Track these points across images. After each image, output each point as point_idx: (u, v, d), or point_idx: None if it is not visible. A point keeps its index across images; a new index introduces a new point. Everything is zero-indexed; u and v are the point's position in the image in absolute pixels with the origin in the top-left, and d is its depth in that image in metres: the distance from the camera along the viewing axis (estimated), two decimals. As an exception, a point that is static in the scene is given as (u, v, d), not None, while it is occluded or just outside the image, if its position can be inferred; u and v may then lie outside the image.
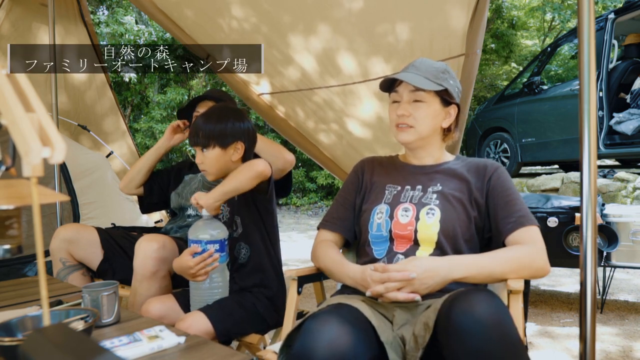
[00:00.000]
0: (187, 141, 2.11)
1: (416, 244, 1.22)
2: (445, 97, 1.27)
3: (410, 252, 1.22)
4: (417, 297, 1.08)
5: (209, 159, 1.53)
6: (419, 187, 1.29)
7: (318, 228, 1.43)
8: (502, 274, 1.13)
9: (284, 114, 3.25)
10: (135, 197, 2.17)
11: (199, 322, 1.31)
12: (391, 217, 1.26)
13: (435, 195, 1.25)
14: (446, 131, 1.33)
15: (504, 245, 1.21)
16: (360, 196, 1.39)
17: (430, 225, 1.21)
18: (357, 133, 2.95)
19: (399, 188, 1.31)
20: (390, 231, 1.25)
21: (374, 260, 1.26)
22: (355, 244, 1.43)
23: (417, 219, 1.23)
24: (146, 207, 2.09)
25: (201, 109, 2.00)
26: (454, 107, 1.30)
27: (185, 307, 1.45)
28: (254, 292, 1.48)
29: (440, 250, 1.20)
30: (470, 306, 0.88)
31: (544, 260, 1.16)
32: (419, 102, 1.26)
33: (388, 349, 0.98)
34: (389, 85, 1.31)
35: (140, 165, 2.00)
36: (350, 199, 1.40)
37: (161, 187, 2.06)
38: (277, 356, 1.04)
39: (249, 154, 1.61)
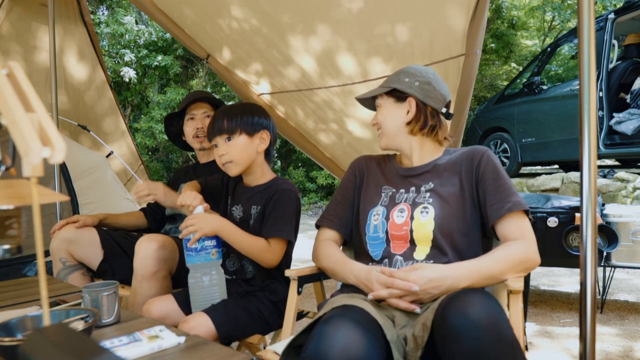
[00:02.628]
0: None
1: (413, 244, 1.23)
2: (397, 95, 1.33)
3: (407, 254, 1.22)
4: (417, 310, 1.09)
5: (234, 147, 1.46)
6: (413, 188, 1.30)
7: (317, 225, 1.43)
8: (501, 274, 1.13)
9: (283, 114, 3.26)
10: (135, 197, 2.17)
11: (202, 324, 1.30)
12: (387, 218, 1.27)
13: (428, 194, 1.26)
14: (414, 125, 1.31)
15: (493, 230, 1.22)
16: (359, 194, 1.39)
17: (424, 223, 1.21)
18: (357, 133, 2.95)
19: (394, 190, 1.32)
20: (387, 232, 1.25)
21: (372, 261, 1.26)
22: (352, 243, 1.44)
23: (411, 218, 1.23)
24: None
25: (196, 111, 1.98)
26: (412, 100, 1.30)
27: (185, 307, 1.45)
28: (258, 297, 1.47)
29: (437, 248, 1.20)
30: (465, 307, 0.88)
31: (535, 252, 1.17)
32: (379, 107, 1.37)
33: (393, 348, 0.98)
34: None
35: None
36: (349, 197, 1.41)
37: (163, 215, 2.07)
38: (280, 358, 1.04)
39: (272, 149, 1.56)
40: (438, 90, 1.32)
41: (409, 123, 1.32)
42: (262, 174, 1.56)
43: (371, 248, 1.28)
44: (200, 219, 1.37)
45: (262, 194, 1.52)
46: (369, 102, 1.43)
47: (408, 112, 1.31)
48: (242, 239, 1.41)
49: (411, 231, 1.22)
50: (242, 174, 1.56)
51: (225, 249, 1.54)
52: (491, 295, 0.93)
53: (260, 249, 1.42)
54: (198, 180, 1.67)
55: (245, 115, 1.48)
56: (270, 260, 1.44)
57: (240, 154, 1.47)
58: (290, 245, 1.52)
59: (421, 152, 1.34)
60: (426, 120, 1.31)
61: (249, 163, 1.51)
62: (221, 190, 1.64)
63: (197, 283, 1.41)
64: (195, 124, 1.98)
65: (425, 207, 1.24)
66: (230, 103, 1.92)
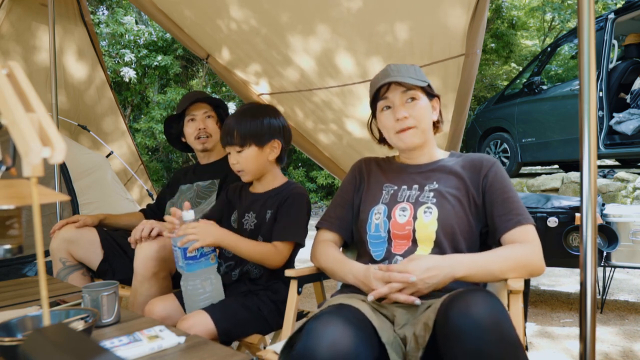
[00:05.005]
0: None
1: (414, 243, 1.22)
2: (428, 92, 1.32)
3: (408, 254, 1.21)
4: (417, 302, 1.09)
5: (245, 158, 1.48)
6: (416, 186, 1.29)
7: (317, 227, 1.44)
8: (501, 272, 1.13)
9: (283, 114, 3.25)
10: (135, 197, 2.18)
11: (201, 322, 1.30)
12: (389, 217, 1.26)
13: (432, 194, 1.26)
14: (437, 123, 1.38)
15: (499, 242, 1.22)
16: (358, 196, 1.39)
17: (427, 224, 1.21)
18: (357, 133, 2.95)
19: (396, 188, 1.32)
20: (389, 231, 1.25)
21: (373, 261, 1.26)
22: (354, 244, 1.43)
23: (414, 218, 1.23)
24: None
25: (196, 112, 1.97)
26: (436, 100, 1.36)
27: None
28: (260, 295, 1.47)
29: (439, 248, 1.20)
30: (468, 307, 0.88)
31: (540, 258, 1.17)
32: (413, 101, 1.28)
33: (389, 350, 0.98)
34: (374, 94, 1.33)
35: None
36: (349, 199, 1.41)
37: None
38: (279, 357, 1.04)
39: (284, 155, 1.57)
40: None
41: (437, 122, 1.36)
42: (274, 179, 1.58)
43: (372, 247, 1.28)
44: (202, 229, 1.34)
45: (274, 198, 1.54)
46: (375, 91, 1.33)
47: (433, 111, 1.34)
48: (246, 246, 1.42)
49: (414, 231, 1.22)
50: (254, 180, 1.59)
51: (233, 263, 1.56)
52: (494, 295, 0.93)
53: (265, 253, 1.43)
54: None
55: (256, 126, 1.48)
56: (277, 262, 1.46)
57: (251, 165, 1.50)
58: (297, 248, 1.53)
59: (430, 151, 1.36)
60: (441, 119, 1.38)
61: (262, 172, 1.54)
62: (227, 207, 1.65)
63: (195, 290, 1.39)
64: (196, 125, 1.96)
65: (428, 207, 1.23)
66: (231, 104, 1.91)
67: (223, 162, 1.90)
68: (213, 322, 1.32)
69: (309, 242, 1.47)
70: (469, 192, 1.25)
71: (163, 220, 2.05)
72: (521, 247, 1.17)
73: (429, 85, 1.31)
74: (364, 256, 1.30)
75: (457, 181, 1.27)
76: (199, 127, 1.95)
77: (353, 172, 1.44)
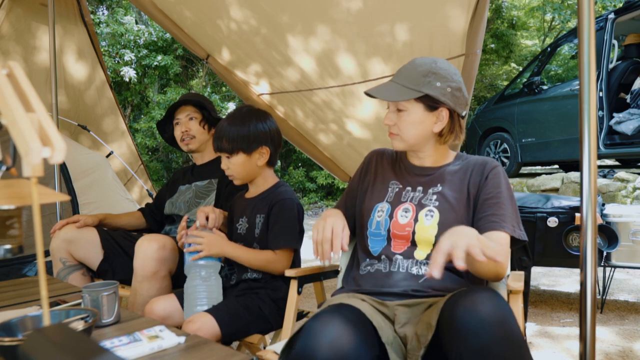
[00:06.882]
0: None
1: (413, 244, 1.22)
2: (428, 103, 1.20)
3: (407, 253, 1.21)
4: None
5: (234, 164, 1.53)
6: (420, 188, 1.28)
7: None
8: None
9: (283, 114, 3.26)
10: (135, 197, 2.18)
11: (207, 324, 1.31)
12: (391, 216, 1.26)
13: (435, 197, 1.25)
14: (442, 134, 1.26)
15: None
16: (363, 187, 1.39)
17: (428, 227, 1.20)
18: (357, 133, 2.95)
19: (401, 187, 1.31)
20: (389, 230, 1.25)
21: (370, 256, 1.27)
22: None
23: (415, 220, 1.22)
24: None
25: (181, 115, 1.98)
26: (445, 110, 1.22)
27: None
28: (260, 294, 1.48)
29: None
30: (474, 305, 0.88)
31: (504, 268, 1.09)
32: (401, 111, 1.23)
33: (389, 349, 0.98)
34: None
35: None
36: (354, 188, 1.42)
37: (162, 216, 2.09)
38: (279, 357, 1.04)
39: (275, 158, 1.60)
40: (465, 96, 1.25)
41: (440, 133, 1.25)
42: (264, 182, 1.61)
43: (371, 243, 1.28)
44: (209, 240, 1.43)
45: (264, 201, 1.56)
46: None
47: (436, 122, 1.23)
48: (248, 256, 1.48)
49: (413, 233, 1.22)
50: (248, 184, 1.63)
51: (234, 269, 1.59)
52: (499, 293, 0.93)
53: (267, 261, 1.48)
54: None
55: (245, 133, 1.52)
56: (279, 269, 1.49)
57: (240, 170, 1.55)
58: (296, 250, 1.56)
59: (435, 155, 1.31)
60: (456, 128, 1.25)
61: (251, 177, 1.58)
62: (230, 216, 1.69)
63: (195, 288, 1.41)
64: (180, 128, 1.98)
65: (430, 210, 1.23)
66: (231, 104, 1.92)
67: (218, 162, 1.91)
68: (218, 325, 1.32)
69: (308, 241, 1.47)
70: (470, 196, 1.24)
71: (163, 221, 2.07)
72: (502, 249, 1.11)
73: (427, 96, 1.18)
74: (363, 250, 1.30)
75: (461, 185, 1.25)
76: (182, 130, 1.97)
77: (363, 163, 1.45)
